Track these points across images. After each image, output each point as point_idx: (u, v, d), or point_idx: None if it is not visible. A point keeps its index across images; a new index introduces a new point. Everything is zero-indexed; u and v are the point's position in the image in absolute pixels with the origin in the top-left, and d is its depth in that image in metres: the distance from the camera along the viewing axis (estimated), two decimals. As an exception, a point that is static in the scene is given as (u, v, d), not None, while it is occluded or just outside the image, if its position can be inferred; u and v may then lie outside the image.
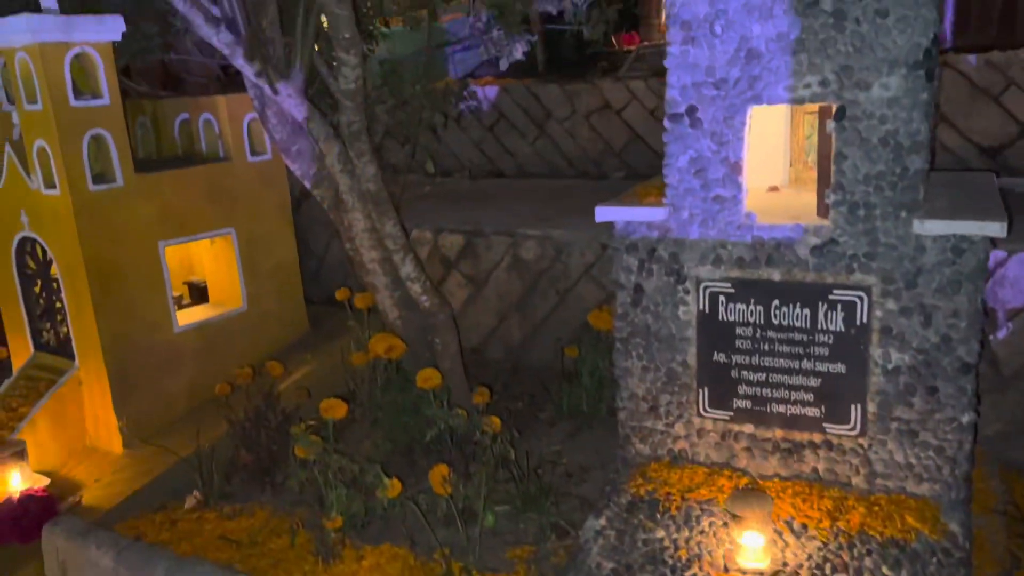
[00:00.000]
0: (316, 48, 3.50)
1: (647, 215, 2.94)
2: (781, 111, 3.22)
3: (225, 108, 4.09)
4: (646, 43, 6.40)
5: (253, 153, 4.22)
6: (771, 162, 3.31)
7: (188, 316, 4.06)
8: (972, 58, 4.53)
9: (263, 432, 3.42)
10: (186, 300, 4.40)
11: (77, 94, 3.49)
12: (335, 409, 3.08)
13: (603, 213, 3.00)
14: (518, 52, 4.15)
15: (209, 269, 4.37)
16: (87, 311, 3.63)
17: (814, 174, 3.30)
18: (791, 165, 3.34)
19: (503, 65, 4.22)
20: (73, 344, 3.80)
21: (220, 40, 3.29)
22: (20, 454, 3.45)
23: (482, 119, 6.44)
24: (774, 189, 3.32)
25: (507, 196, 5.41)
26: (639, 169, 5.99)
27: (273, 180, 4.35)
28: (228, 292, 4.32)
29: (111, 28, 3.54)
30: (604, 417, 3.77)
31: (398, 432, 3.49)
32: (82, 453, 3.86)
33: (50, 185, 3.54)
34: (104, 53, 3.55)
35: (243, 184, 4.18)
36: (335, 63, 3.20)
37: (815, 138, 3.32)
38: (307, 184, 3.96)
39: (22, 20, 3.29)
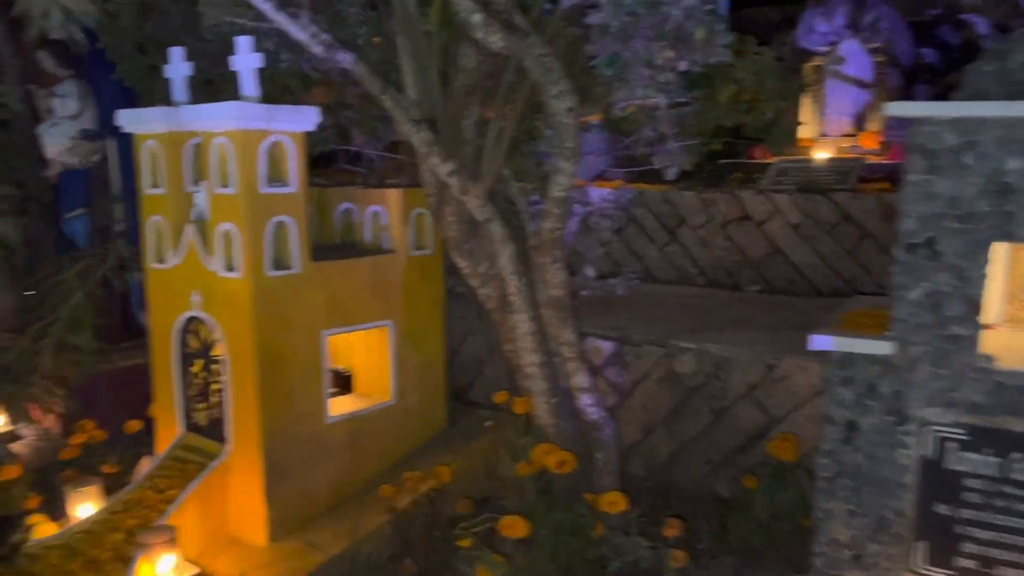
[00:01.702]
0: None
1: (870, 347, 2.76)
2: (1000, 246, 3.04)
3: (396, 201, 4.09)
4: (786, 157, 6.32)
5: (417, 247, 4.19)
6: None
7: (338, 407, 3.97)
8: None
9: (428, 541, 3.26)
10: (331, 389, 4.32)
11: (268, 181, 3.51)
12: (516, 527, 2.91)
13: (821, 342, 2.83)
14: (688, 164, 4.07)
15: (359, 359, 4.31)
16: (250, 395, 3.57)
17: (1033, 314, 3.10)
18: (1008, 303, 3.14)
19: (669, 174, 4.14)
20: (227, 428, 3.72)
21: (419, 139, 3.30)
22: (171, 542, 3.34)
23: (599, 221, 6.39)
24: (988, 327, 3.11)
25: (640, 302, 5.27)
26: (776, 284, 5.84)
27: (432, 275, 4.32)
28: (376, 384, 4.23)
29: (307, 119, 3.60)
30: (774, 555, 3.51)
31: (560, 553, 3.28)
32: (223, 542, 3.73)
33: (230, 268, 3.54)
34: (297, 142, 3.59)
35: (404, 277, 4.15)
36: (552, 170, 3.15)
37: (1035, 276, 3.13)
38: (474, 283, 3.90)
39: (232, 107, 3.36)
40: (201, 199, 3.74)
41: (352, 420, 3.99)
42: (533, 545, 3.31)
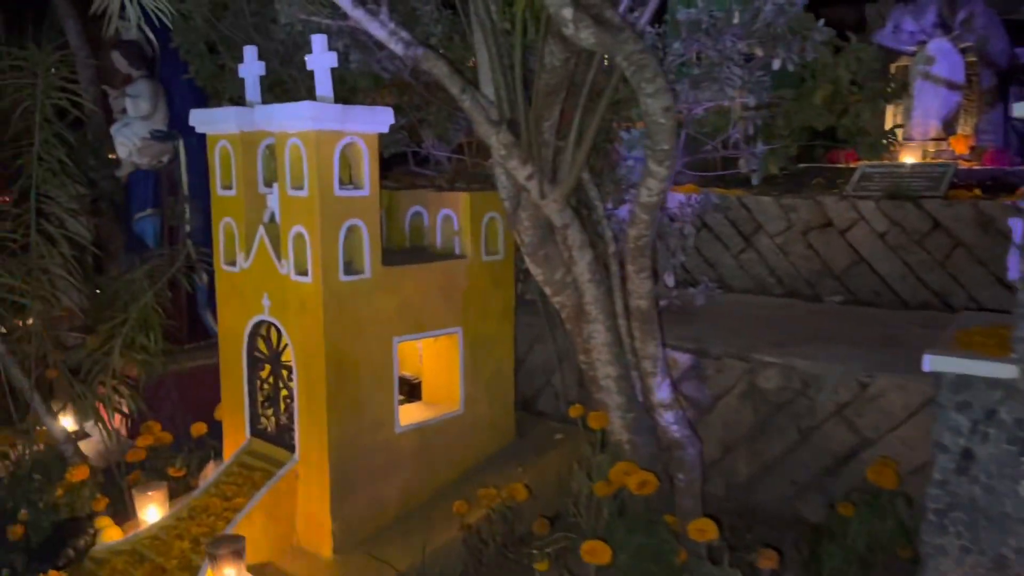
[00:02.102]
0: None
1: (990, 370, 2.53)
2: None
3: (468, 205, 3.96)
4: (870, 161, 6.02)
5: (488, 252, 4.06)
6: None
7: (407, 415, 3.85)
8: None
9: (503, 561, 3.12)
10: (399, 396, 4.21)
11: (340, 183, 3.41)
12: (598, 553, 2.74)
13: (938, 362, 2.61)
14: (776, 167, 3.87)
15: (427, 366, 4.19)
16: (319, 403, 3.48)
17: None
18: None
19: (755, 180, 3.94)
20: (295, 435, 3.63)
21: (499, 140, 3.16)
22: (239, 553, 3.25)
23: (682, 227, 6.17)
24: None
25: (716, 313, 5.04)
26: (860, 295, 5.56)
27: (502, 281, 4.18)
28: (444, 392, 4.11)
29: (382, 120, 3.49)
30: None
31: (641, 578, 3.10)
32: (288, 554, 3.64)
33: (302, 272, 3.45)
34: (370, 144, 3.49)
35: (475, 283, 4.02)
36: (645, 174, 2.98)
37: None
38: (548, 290, 3.76)
39: (307, 107, 3.27)
40: (274, 201, 3.66)
41: (421, 430, 3.87)
42: (612, 570, 3.14)
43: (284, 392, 3.73)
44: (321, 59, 3.44)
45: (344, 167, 3.46)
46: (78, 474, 4.06)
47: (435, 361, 4.16)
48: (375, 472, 3.68)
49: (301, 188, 3.40)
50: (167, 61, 5.69)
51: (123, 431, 5.14)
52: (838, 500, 3.39)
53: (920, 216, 5.31)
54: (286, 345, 3.67)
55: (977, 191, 5.39)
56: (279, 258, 3.58)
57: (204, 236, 5.80)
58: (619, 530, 3.19)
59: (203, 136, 5.80)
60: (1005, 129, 6.05)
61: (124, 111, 5.63)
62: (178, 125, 5.69)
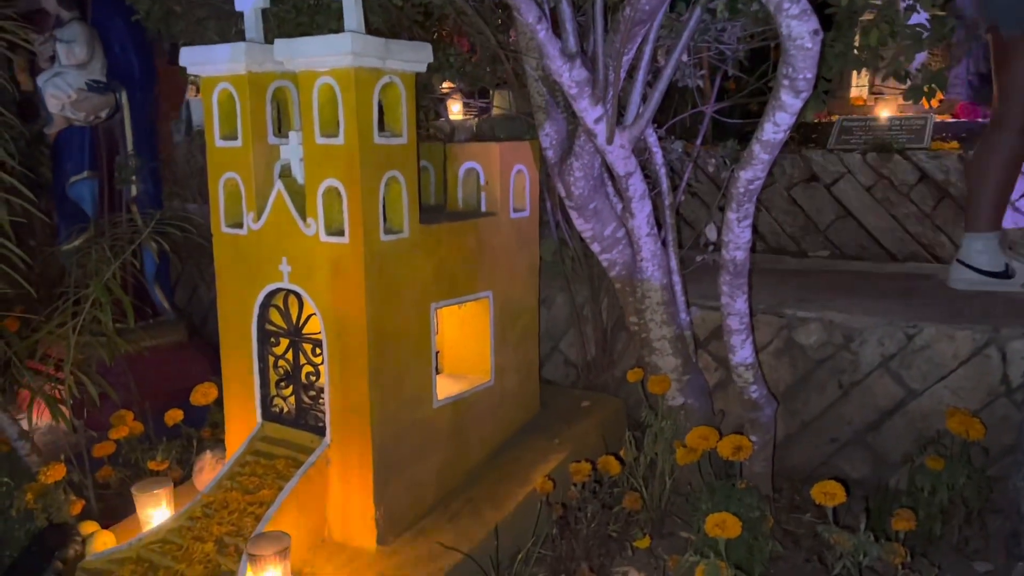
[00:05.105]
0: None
1: None
2: None
3: (498, 157, 3.61)
4: (847, 115, 6.02)
5: (515, 209, 3.73)
6: None
7: (443, 389, 3.50)
8: None
9: (601, 541, 2.85)
10: (421, 369, 3.84)
11: (380, 130, 3.01)
12: (729, 527, 2.51)
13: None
14: (810, 114, 3.70)
15: (448, 335, 3.84)
16: (359, 379, 3.08)
17: None
18: None
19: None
20: (326, 417, 3.23)
21: (572, 77, 2.84)
22: (284, 552, 2.85)
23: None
24: None
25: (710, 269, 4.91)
26: (847, 249, 5.56)
27: (527, 240, 3.86)
28: (471, 363, 3.78)
29: (423, 57, 3.08)
30: (950, 548, 3.21)
31: (737, 552, 2.91)
32: (323, 548, 3.25)
33: (336, 232, 3.03)
34: (408, 84, 3.08)
35: (503, 242, 3.69)
36: (771, 108, 2.72)
37: None
38: (595, 247, 3.49)
39: (345, 40, 2.82)
40: (291, 152, 3.20)
41: (455, 404, 3.53)
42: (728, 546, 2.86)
43: (308, 369, 3.31)
44: (351, -15, 2.99)
45: (380, 111, 3.05)
46: (53, 474, 3.49)
47: (459, 328, 3.81)
48: (414, 453, 3.32)
49: (335, 135, 2.96)
50: (100, 1, 5.02)
51: (73, 421, 4.53)
52: (886, 453, 3.30)
53: (906, 168, 5.33)
54: (310, 316, 3.24)
55: (955, 143, 5.45)
56: (303, 217, 3.13)
57: (153, 200, 5.20)
58: (719, 499, 2.96)
59: (148, 87, 5.17)
60: (966, 84, 6.17)
61: (52, 59, 4.92)
62: (118, 75, 5.04)
